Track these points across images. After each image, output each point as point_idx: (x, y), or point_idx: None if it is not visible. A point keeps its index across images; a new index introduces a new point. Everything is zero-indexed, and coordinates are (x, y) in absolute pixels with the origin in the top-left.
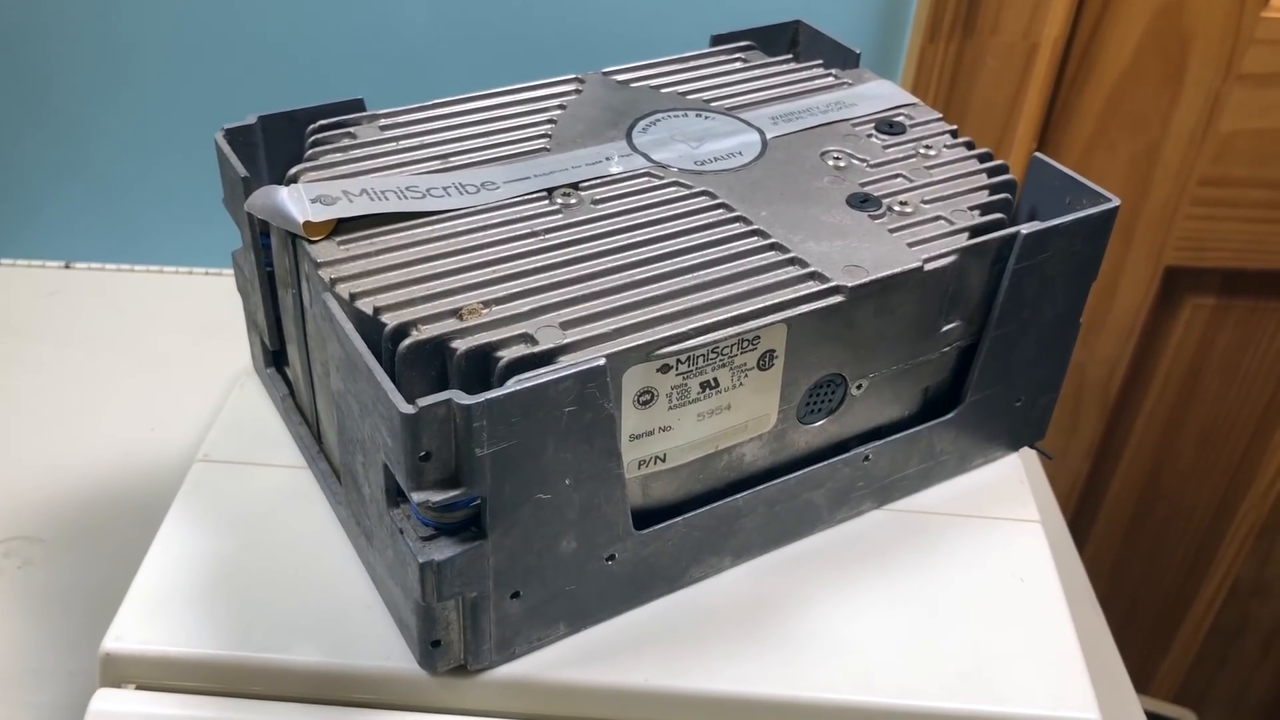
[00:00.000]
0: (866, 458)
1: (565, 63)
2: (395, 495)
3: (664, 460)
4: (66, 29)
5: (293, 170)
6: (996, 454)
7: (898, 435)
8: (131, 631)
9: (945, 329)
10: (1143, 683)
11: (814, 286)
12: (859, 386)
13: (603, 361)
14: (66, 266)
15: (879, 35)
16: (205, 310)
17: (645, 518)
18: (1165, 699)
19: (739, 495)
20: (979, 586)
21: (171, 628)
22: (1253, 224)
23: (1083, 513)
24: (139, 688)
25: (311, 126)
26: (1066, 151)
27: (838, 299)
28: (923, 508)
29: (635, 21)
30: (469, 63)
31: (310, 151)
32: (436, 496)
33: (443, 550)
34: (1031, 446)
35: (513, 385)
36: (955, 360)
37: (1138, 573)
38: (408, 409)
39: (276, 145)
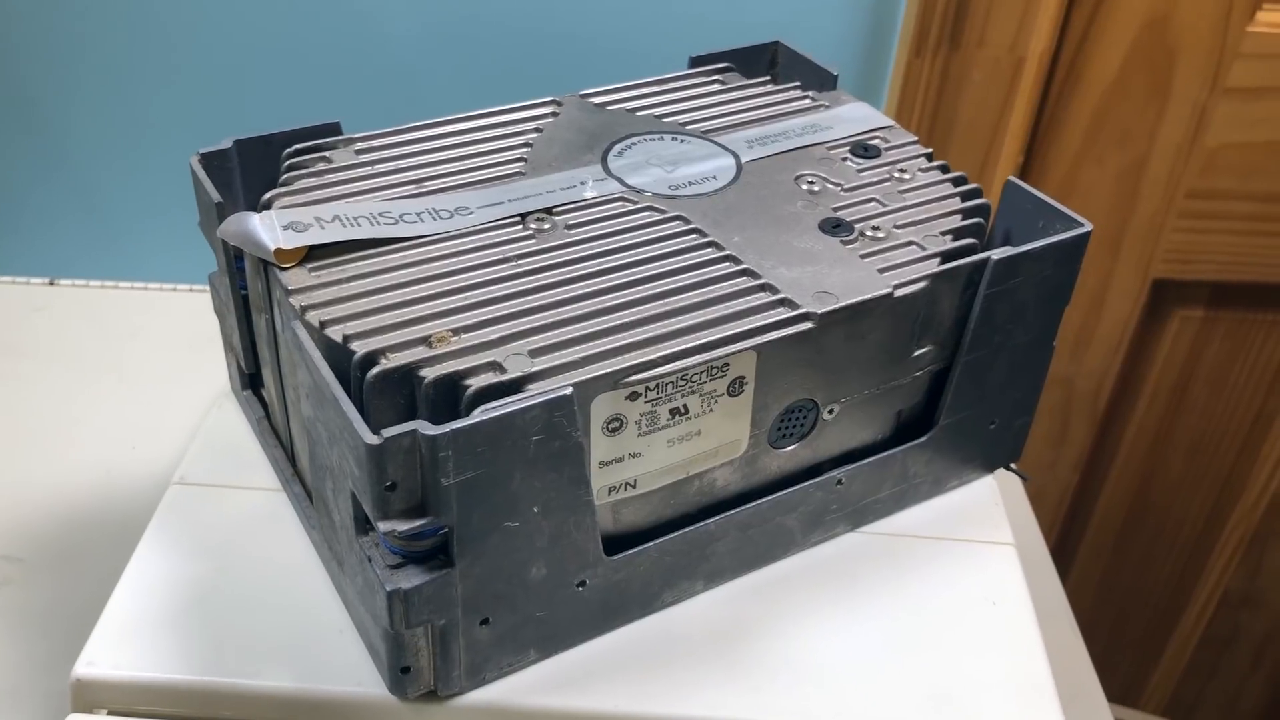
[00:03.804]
0: (839, 481)
1: (553, 79)
2: (364, 523)
3: (634, 486)
4: (51, 48)
5: (267, 195)
6: (971, 476)
7: (871, 459)
8: (103, 657)
9: (917, 354)
10: (1133, 695)
11: (784, 313)
12: (831, 411)
13: (570, 390)
14: (51, 283)
15: (866, 49)
16: (189, 328)
17: (617, 543)
18: (1156, 711)
19: (711, 520)
20: (951, 610)
21: (143, 653)
22: (1240, 236)
23: (1073, 525)
24: (111, 713)
25: (287, 151)
26: (1053, 165)
27: (807, 325)
28: (897, 530)
29: (621, 38)
30: (456, 80)
31: (285, 176)
32: (403, 526)
33: (410, 579)
34: (1007, 468)
35: (479, 415)
36: (928, 384)
37: (1128, 584)
38: (373, 439)
39: (253, 169)
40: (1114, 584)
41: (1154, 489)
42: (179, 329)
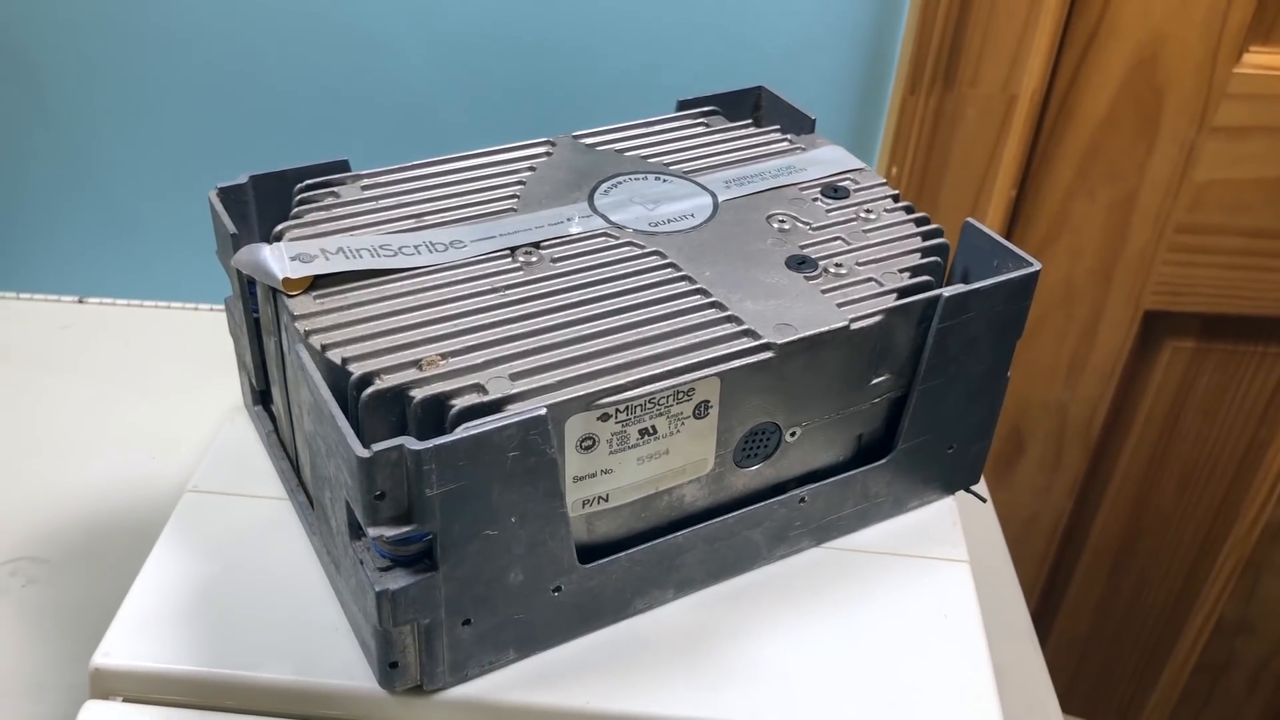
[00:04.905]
0: (802, 499)
1: (558, 115)
2: (357, 529)
3: (607, 500)
4: (85, 74)
5: (278, 228)
6: (931, 497)
7: (833, 479)
8: (120, 648)
9: (875, 382)
10: (1130, 719)
11: (746, 343)
12: (793, 434)
13: (544, 411)
14: (80, 301)
15: (864, 87)
16: (208, 345)
17: (591, 553)
18: None
19: (680, 533)
20: (904, 621)
21: (157, 645)
22: (1228, 270)
23: (1067, 550)
24: (126, 700)
25: (298, 186)
26: (1046, 199)
27: (767, 355)
28: (858, 546)
29: (627, 79)
30: (465, 118)
31: (296, 210)
32: (390, 532)
33: (397, 580)
34: (967, 490)
35: (460, 433)
36: (887, 410)
37: (1123, 609)
38: (363, 453)
39: (267, 202)
40: (1110, 609)
41: (1147, 515)
42: (197, 347)
